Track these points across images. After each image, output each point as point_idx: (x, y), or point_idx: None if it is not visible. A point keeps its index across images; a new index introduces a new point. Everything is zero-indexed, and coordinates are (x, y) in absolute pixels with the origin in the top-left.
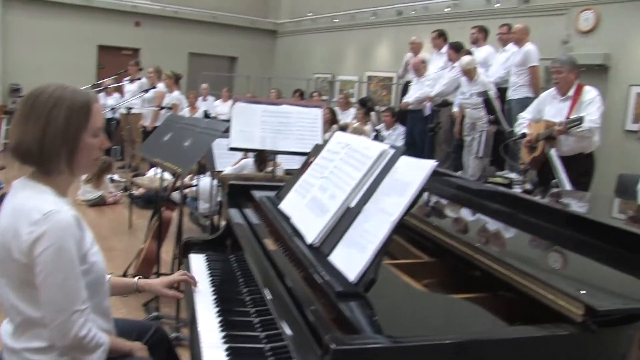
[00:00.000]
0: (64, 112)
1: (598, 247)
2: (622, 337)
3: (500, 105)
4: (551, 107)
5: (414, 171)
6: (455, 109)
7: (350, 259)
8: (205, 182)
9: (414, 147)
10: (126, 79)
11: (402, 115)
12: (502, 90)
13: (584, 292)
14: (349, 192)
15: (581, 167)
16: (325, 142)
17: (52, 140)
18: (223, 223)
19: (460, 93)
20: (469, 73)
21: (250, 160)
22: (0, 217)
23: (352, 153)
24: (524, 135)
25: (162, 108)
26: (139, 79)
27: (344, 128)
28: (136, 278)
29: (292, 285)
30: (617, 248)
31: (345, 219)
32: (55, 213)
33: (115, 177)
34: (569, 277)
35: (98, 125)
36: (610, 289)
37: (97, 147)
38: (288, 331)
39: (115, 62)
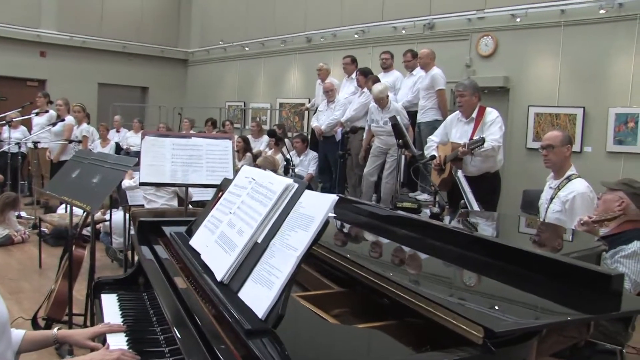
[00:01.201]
0: None
1: (502, 267)
2: (521, 353)
3: (408, 130)
4: (457, 130)
5: (317, 205)
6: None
7: (259, 295)
8: (118, 216)
9: (329, 172)
10: (34, 111)
11: (314, 141)
12: (411, 114)
13: (485, 313)
14: (256, 228)
15: (488, 186)
16: (235, 174)
17: None
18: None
19: (372, 121)
20: (381, 101)
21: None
22: None
23: (258, 188)
24: (433, 157)
25: (71, 141)
26: (47, 111)
27: (257, 156)
28: (55, 329)
29: (203, 323)
30: (519, 268)
31: (253, 254)
32: None
33: (23, 214)
34: (474, 299)
35: None
36: (509, 308)
37: None
38: None
39: (20, 93)
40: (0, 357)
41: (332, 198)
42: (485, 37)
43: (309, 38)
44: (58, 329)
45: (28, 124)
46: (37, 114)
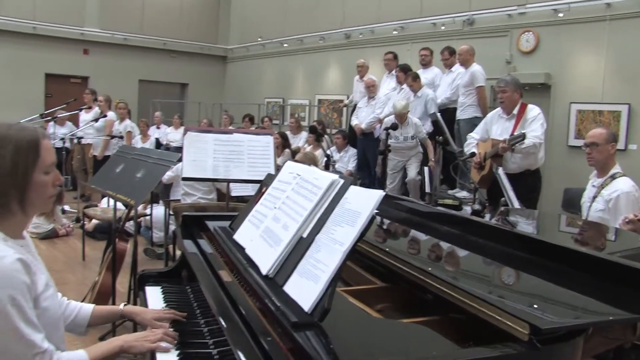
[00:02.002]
0: (10, 152)
1: (544, 265)
2: (566, 351)
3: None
4: (498, 126)
5: (363, 201)
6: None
7: (304, 289)
8: (158, 211)
9: (367, 168)
10: (82, 107)
11: (352, 137)
12: (450, 111)
13: (529, 310)
14: (301, 223)
15: (528, 184)
16: (279, 169)
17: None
18: (178, 253)
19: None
20: (403, 117)
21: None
22: None
23: (303, 183)
24: (472, 154)
25: (113, 137)
26: (90, 107)
27: (295, 152)
28: (122, 305)
29: (248, 316)
30: (562, 266)
31: (298, 249)
32: None
33: (67, 208)
34: (517, 296)
35: (48, 162)
36: (554, 306)
37: (49, 184)
38: None
39: (64, 90)
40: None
41: (379, 194)
42: (526, 33)
43: (347, 34)
44: (124, 305)
45: (75, 120)
46: (80, 109)
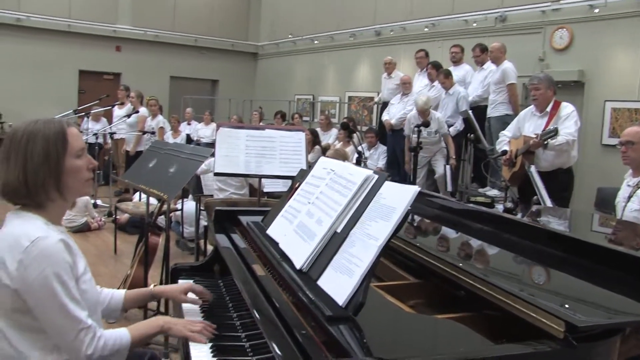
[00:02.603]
0: (40, 144)
1: (578, 263)
2: (602, 351)
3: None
4: (530, 124)
5: (398, 196)
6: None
7: (339, 283)
8: (189, 206)
9: (397, 166)
10: (115, 103)
11: (382, 134)
12: (481, 108)
13: (564, 308)
14: (336, 218)
15: (561, 182)
16: (310, 166)
17: (34, 174)
18: (209, 247)
19: (412, 131)
20: (425, 112)
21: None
22: None
23: (337, 179)
24: (504, 152)
25: (145, 132)
26: (123, 103)
27: (326, 149)
28: (152, 285)
29: (282, 309)
30: (595, 264)
31: (333, 244)
32: (42, 239)
33: (100, 202)
34: (551, 294)
35: (78, 147)
36: (589, 304)
37: (84, 167)
38: (279, 354)
39: (97, 86)
40: None
41: (414, 189)
42: (560, 30)
43: (378, 32)
44: (154, 286)
45: (109, 117)
46: (113, 105)
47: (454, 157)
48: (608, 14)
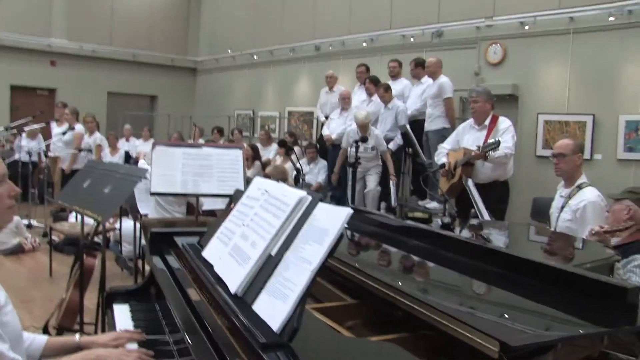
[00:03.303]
0: None
1: (513, 279)
2: None
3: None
4: (469, 136)
5: (331, 218)
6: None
7: (273, 308)
8: (127, 225)
9: (338, 181)
10: (51, 120)
11: (323, 149)
12: (419, 122)
13: (501, 325)
14: (270, 240)
15: (497, 195)
16: (249, 182)
17: None
18: (148, 267)
19: (351, 145)
20: (365, 127)
21: None
22: None
23: (271, 200)
24: (443, 165)
25: (81, 150)
26: (59, 120)
27: (266, 164)
28: (77, 335)
29: (217, 335)
30: (532, 279)
31: (267, 267)
32: None
33: (34, 222)
34: (488, 311)
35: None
36: (524, 321)
37: (4, 195)
38: None
39: (31, 102)
40: None
41: (347, 212)
42: (493, 45)
43: (317, 46)
44: (80, 336)
45: (46, 133)
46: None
47: (393, 174)
48: (538, 30)
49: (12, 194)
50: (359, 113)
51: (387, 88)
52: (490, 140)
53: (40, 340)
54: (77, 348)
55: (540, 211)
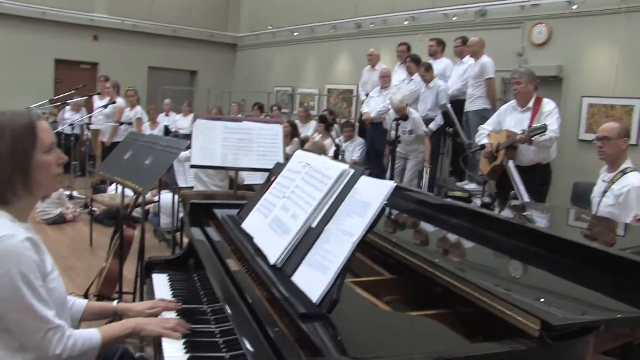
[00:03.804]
0: (8, 139)
1: (554, 259)
2: (577, 348)
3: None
4: (512, 118)
5: (374, 192)
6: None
7: (313, 279)
8: (166, 197)
9: (377, 159)
10: (93, 93)
11: (362, 127)
12: (460, 102)
13: (540, 305)
14: (311, 213)
15: (539, 178)
16: (288, 157)
17: (0, 170)
18: (185, 239)
19: (391, 128)
20: (402, 111)
21: None
22: None
23: (313, 173)
24: (483, 146)
25: (122, 123)
26: (101, 93)
27: (304, 141)
28: (115, 302)
29: (256, 305)
30: (571, 260)
31: (307, 239)
32: (8, 238)
33: (75, 193)
34: (527, 291)
35: (48, 141)
36: (565, 301)
37: (53, 163)
38: (251, 351)
39: (74, 76)
40: None
41: (390, 185)
42: (538, 25)
43: (358, 24)
44: (118, 302)
45: (89, 107)
46: (91, 95)
47: (428, 160)
48: (586, 10)
49: (60, 162)
50: (395, 97)
51: (429, 67)
52: (536, 124)
53: (80, 303)
54: (114, 314)
55: (581, 196)
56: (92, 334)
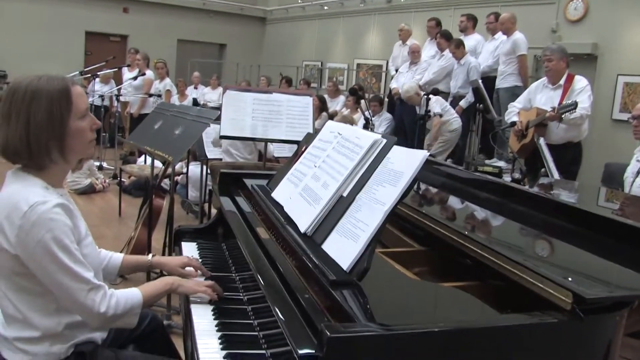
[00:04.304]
0: (44, 104)
1: (585, 236)
2: (609, 324)
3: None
4: (542, 96)
5: (407, 161)
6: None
7: (344, 247)
8: (195, 170)
9: (404, 135)
10: (123, 65)
11: (391, 102)
12: (491, 79)
13: (572, 280)
14: (342, 182)
15: (570, 156)
16: (317, 130)
17: (37, 135)
18: (213, 211)
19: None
20: (412, 99)
21: None
22: None
23: (344, 142)
24: (513, 123)
25: (151, 95)
26: (130, 65)
27: (333, 116)
28: (150, 256)
29: (286, 273)
30: (603, 237)
31: (338, 208)
32: (41, 204)
33: (105, 164)
34: (558, 266)
35: (82, 107)
36: (597, 277)
37: (87, 129)
38: (281, 318)
39: (103, 48)
40: None
41: (423, 154)
42: (574, 1)
43: None
44: (152, 256)
45: (118, 78)
46: (120, 67)
47: (429, 142)
48: None
49: (94, 127)
50: (405, 85)
51: (459, 44)
52: (567, 101)
53: (117, 257)
54: (150, 266)
55: (612, 177)
56: (133, 292)
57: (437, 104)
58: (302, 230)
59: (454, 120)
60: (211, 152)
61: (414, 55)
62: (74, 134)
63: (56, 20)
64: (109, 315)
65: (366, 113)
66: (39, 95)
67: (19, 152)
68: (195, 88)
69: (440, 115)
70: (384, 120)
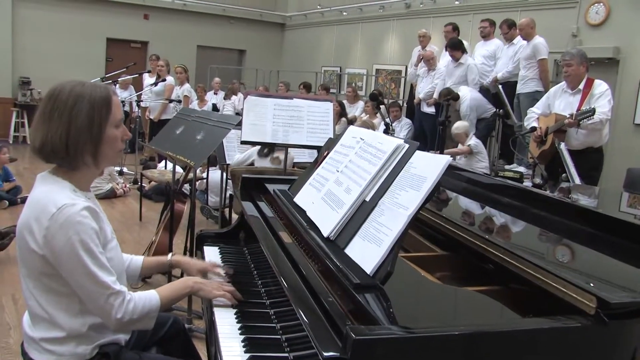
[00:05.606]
0: (86, 108)
1: (608, 241)
2: (633, 330)
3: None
4: (561, 101)
5: (430, 166)
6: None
7: (367, 252)
8: (215, 175)
9: (424, 140)
10: (143, 72)
11: (411, 108)
12: (511, 84)
13: (597, 284)
14: (365, 186)
15: (590, 162)
16: (338, 135)
17: (76, 137)
18: (234, 216)
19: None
20: (458, 137)
21: (255, 149)
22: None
23: (367, 147)
24: (533, 129)
25: (171, 101)
26: (150, 71)
27: (352, 121)
28: (170, 255)
29: (309, 276)
30: (626, 242)
31: (361, 212)
32: (69, 207)
33: (125, 169)
34: (580, 271)
35: (119, 117)
36: (620, 282)
37: (119, 138)
38: (305, 321)
39: (124, 54)
40: None
41: (446, 159)
42: (596, 4)
43: (407, 4)
44: (172, 255)
45: (138, 85)
46: (141, 73)
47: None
48: None
49: (125, 138)
50: (455, 125)
51: (460, 47)
52: (585, 107)
53: (138, 259)
54: (169, 266)
55: (635, 183)
56: (151, 296)
57: (472, 129)
58: (325, 234)
59: (480, 160)
60: (231, 158)
61: (429, 63)
62: (109, 140)
63: (78, 28)
64: (125, 321)
65: (387, 119)
66: (82, 99)
67: (56, 150)
68: (215, 94)
69: (471, 152)
70: (404, 126)
